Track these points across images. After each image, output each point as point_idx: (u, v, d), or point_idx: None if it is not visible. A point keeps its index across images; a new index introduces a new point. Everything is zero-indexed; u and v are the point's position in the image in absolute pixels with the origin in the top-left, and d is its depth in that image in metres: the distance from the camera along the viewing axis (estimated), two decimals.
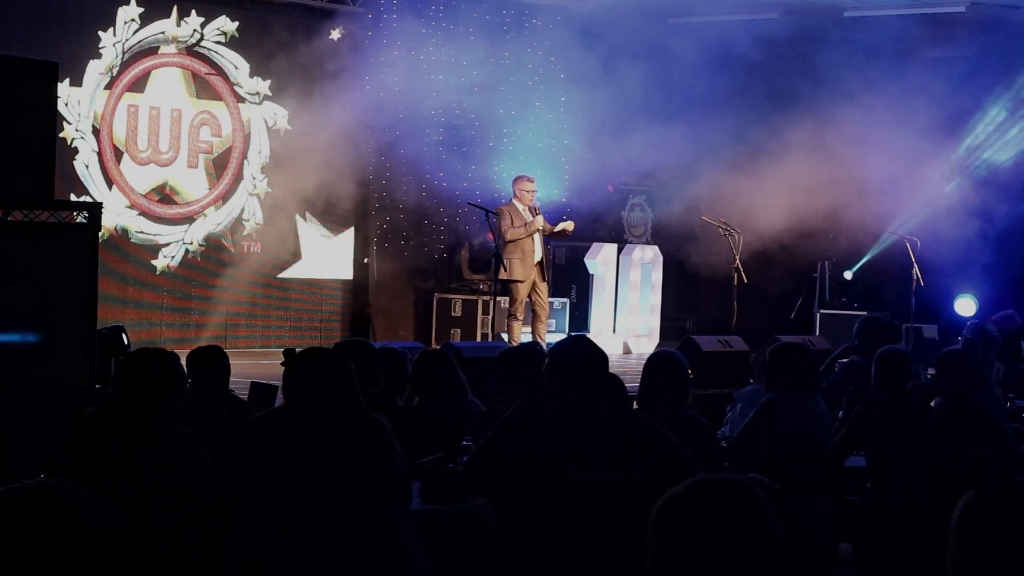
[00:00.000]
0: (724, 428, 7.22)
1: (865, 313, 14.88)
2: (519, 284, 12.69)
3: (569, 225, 13.19)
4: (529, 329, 13.12)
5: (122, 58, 13.41)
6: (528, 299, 12.93)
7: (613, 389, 5.17)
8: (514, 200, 12.90)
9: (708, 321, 16.07)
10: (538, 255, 12.82)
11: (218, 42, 14.14)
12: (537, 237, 12.81)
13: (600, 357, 4.63)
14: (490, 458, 4.60)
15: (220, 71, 14.17)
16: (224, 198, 14.30)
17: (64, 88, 12.61)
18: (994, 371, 8.78)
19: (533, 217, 12.80)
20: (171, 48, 13.81)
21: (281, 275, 14.66)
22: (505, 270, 12.65)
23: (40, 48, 12.09)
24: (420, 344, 11.56)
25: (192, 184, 14.08)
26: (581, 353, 4.60)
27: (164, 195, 13.85)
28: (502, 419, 4.66)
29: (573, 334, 5.81)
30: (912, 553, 5.98)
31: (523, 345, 8.42)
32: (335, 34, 14.55)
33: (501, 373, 6.08)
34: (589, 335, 14.53)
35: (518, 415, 4.61)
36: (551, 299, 13.86)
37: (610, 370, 4.86)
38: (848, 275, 16.38)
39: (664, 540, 2.34)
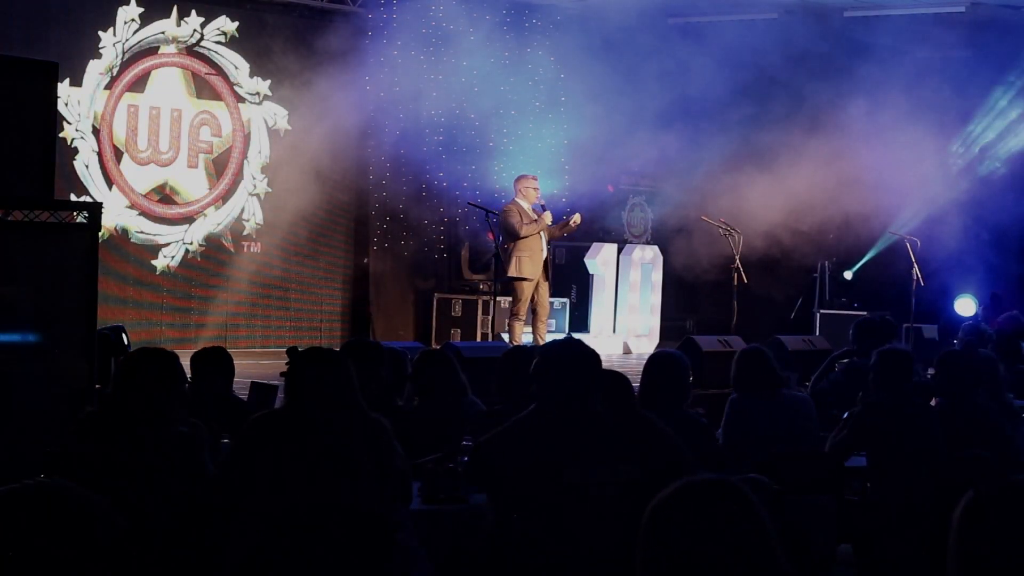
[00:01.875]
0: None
1: (864, 314, 14.92)
2: (526, 283, 12.62)
3: (576, 217, 13.06)
4: (530, 329, 13.09)
5: (122, 58, 13.41)
6: (530, 298, 12.88)
7: (618, 387, 5.18)
8: (517, 199, 12.84)
9: (708, 321, 16.07)
10: (544, 253, 12.77)
11: (218, 42, 14.14)
12: (544, 238, 12.75)
13: (592, 357, 4.63)
14: (497, 451, 4.59)
15: (220, 71, 14.17)
16: (224, 198, 14.30)
17: (64, 88, 12.61)
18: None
19: (541, 214, 12.74)
20: (171, 48, 13.82)
21: (281, 275, 14.66)
22: (505, 268, 12.62)
23: (40, 48, 12.10)
24: (420, 344, 11.55)
25: (192, 184, 14.08)
26: (572, 355, 4.59)
27: (164, 195, 13.85)
28: (519, 417, 4.63)
29: (561, 337, 5.86)
30: (912, 553, 5.98)
31: (527, 347, 8.41)
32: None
33: (502, 373, 6.09)
34: (589, 335, 14.60)
35: (531, 416, 4.60)
36: (551, 299, 13.84)
37: (610, 371, 4.86)
38: (848, 275, 16.38)
39: (654, 542, 2.34)
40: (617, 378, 5.29)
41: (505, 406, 5.93)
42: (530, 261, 12.60)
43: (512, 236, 12.61)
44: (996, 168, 15.79)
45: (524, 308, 12.69)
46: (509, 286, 12.89)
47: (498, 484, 4.62)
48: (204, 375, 6.39)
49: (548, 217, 12.72)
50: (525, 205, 12.76)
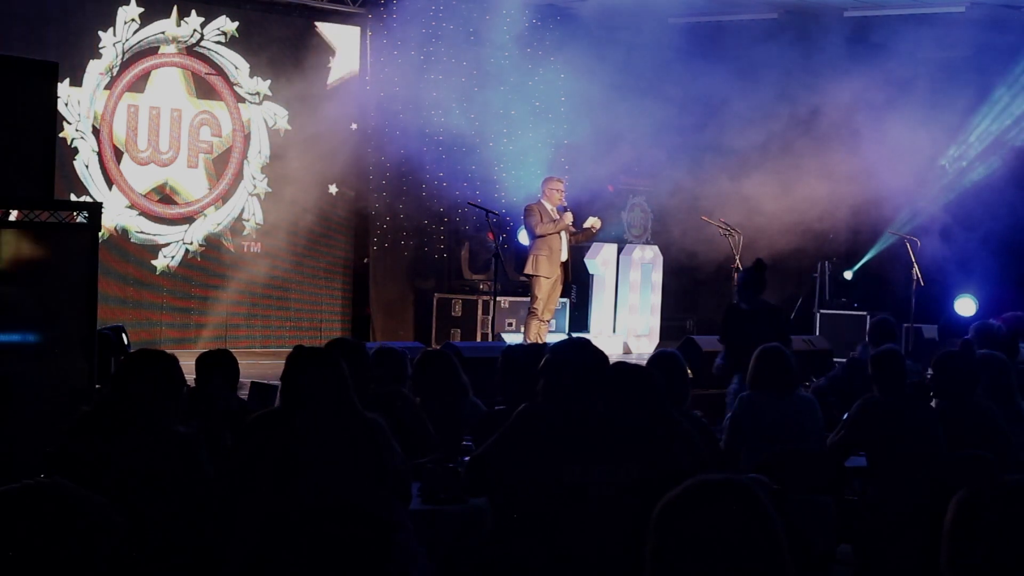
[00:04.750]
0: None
1: (864, 313, 14.91)
2: (544, 280, 12.54)
3: (596, 222, 12.97)
4: (553, 327, 13.03)
5: (122, 58, 13.41)
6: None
7: (643, 385, 5.17)
8: (542, 200, 12.77)
9: (708, 321, 16.07)
10: (564, 255, 12.71)
11: (218, 42, 14.14)
12: (564, 239, 12.68)
13: (598, 358, 4.63)
14: (493, 462, 4.59)
15: (220, 71, 14.17)
16: (224, 198, 14.30)
17: (64, 88, 12.61)
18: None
19: (562, 214, 12.68)
20: (171, 48, 13.82)
21: (281, 275, 14.66)
22: (523, 266, 12.62)
23: (40, 48, 12.10)
24: (420, 344, 11.55)
25: (192, 184, 14.08)
26: (578, 356, 4.60)
27: (164, 195, 13.85)
28: (509, 423, 4.64)
29: (571, 336, 5.88)
30: (912, 553, 5.97)
31: (529, 345, 8.39)
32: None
33: (504, 372, 6.08)
34: (589, 335, 14.58)
35: (524, 419, 4.60)
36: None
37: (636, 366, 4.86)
38: (848, 275, 16.37)
39: (665, 540, 2.34)
40: (642, 375, 5.28)
41: (508, 406, 5.92)
42: (547, 260, 12.55)
43: (530, 234, 12.61)
44: (996, 168, 15.79)
45: (541, 306, 12.61)
46: (528, 284, 12.84)
47: (497, 490, 4.63)
48: (208, 377, 6.40)
49: (568, 217, 12.65)
50: (549, 206, 12.69)
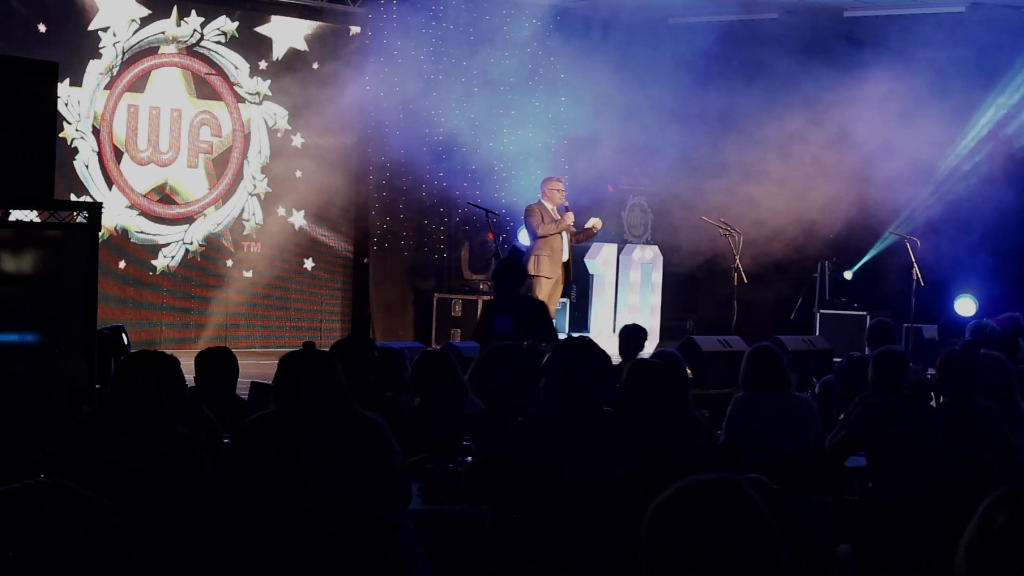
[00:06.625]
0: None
1: (864, 314, 14.89)
2: (545, 280, 12.49)
3: (597, 223, 12.91)
4: None
5: (122, 58, 13.41)
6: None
7: (672, 379, 5.15)
8: (543, 200, 12.74)
9: (708, 321, 16.07)
10: (565, 255, 12.67)
11: (218, 42, 14.14)
12: (565, 239, 12.64)
13: (601, 358, 4.64)
14: (494, 471, 4.59)
15: (220, 71, 14.17)
16: (224, 198, 14.30)
17: (64, 88, 12.61)
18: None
19: (563, 214, 12.63)
20: (171, 48, 13.82)
21: (281, 275, 14.66)
22: (524, 266, 12.58)
23: (40, 48, 12.11)
24: (420, 344, 11.55)
25: (192, 184, 14.09)
26: (583, 355, 4.60)
27: (164, 195, 13.85)
28: (510, 434, 4.63)
29: (574, 335, 5.90)
30: (912, 553, 5.97)
31: (511, 344, 8.35)
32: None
33: (483, 372, 6.09)
34: (589, 335, 14.56)
35: (524, 427, 4.60)
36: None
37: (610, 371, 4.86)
38: (848, 275, 16.38)
39: (658, 541, 2.34)
40: (673, 365, 5.24)
41: (493, 408, 5.91)
42: (548, 260, 12.50)
43: (531, 235, 12.57)
44: (996, 167, 15.79)
45: None
46: (529, 284, 12.79)
47: (500, 493, 4.63)
48: (208, 375, 6.39)
49: (570, 218, 12.60)
50: (549, 206, 12.64)
